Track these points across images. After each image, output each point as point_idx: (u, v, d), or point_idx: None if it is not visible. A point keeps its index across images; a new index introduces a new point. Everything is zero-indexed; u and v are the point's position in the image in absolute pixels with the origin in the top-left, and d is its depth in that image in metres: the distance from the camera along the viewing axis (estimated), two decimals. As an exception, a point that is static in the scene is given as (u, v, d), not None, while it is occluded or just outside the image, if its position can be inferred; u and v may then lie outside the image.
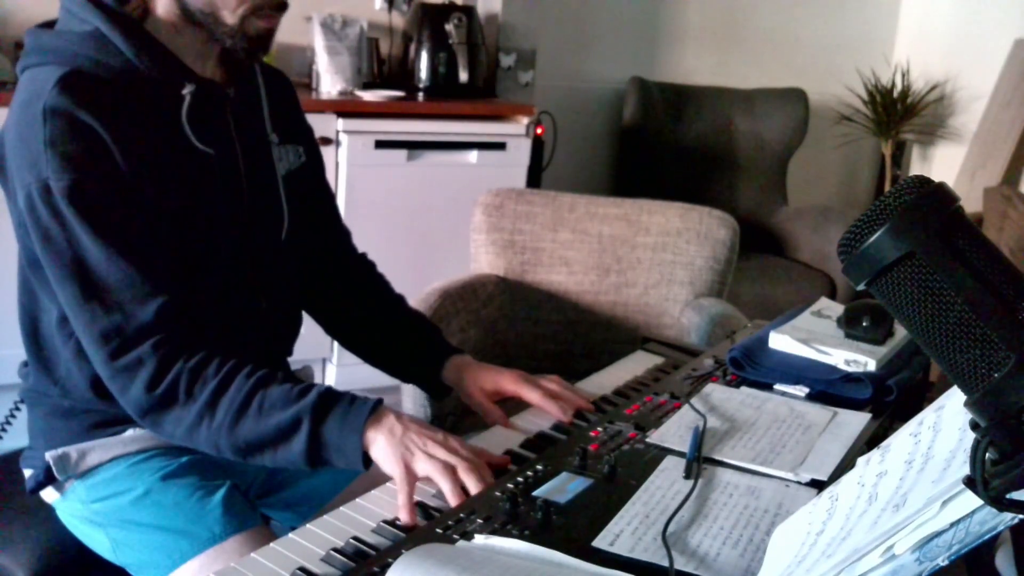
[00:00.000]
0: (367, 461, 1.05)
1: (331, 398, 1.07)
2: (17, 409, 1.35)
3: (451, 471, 1.00)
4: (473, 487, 0.99)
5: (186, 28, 1.16)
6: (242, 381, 1.08)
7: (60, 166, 1.05)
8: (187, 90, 1.14)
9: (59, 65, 1.09)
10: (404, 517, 0.97)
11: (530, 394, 1.26)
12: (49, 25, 1.16)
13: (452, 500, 0.98)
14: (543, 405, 1.24)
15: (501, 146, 3.02)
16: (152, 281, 1.08)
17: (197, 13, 1.13)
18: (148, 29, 1.14)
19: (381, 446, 1.04)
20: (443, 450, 1.03)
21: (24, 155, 1.07)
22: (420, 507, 0.99)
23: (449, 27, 3.11)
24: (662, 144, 3.70)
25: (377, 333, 1.42)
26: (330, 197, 1.45)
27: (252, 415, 1.06)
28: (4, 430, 1.46)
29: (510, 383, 1.29)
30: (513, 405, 1.29)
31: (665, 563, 0.82)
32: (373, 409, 1.06)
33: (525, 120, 3.06)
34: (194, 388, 1.07)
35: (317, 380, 1.39)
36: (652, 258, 2.18)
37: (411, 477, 1.00)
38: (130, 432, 1.20)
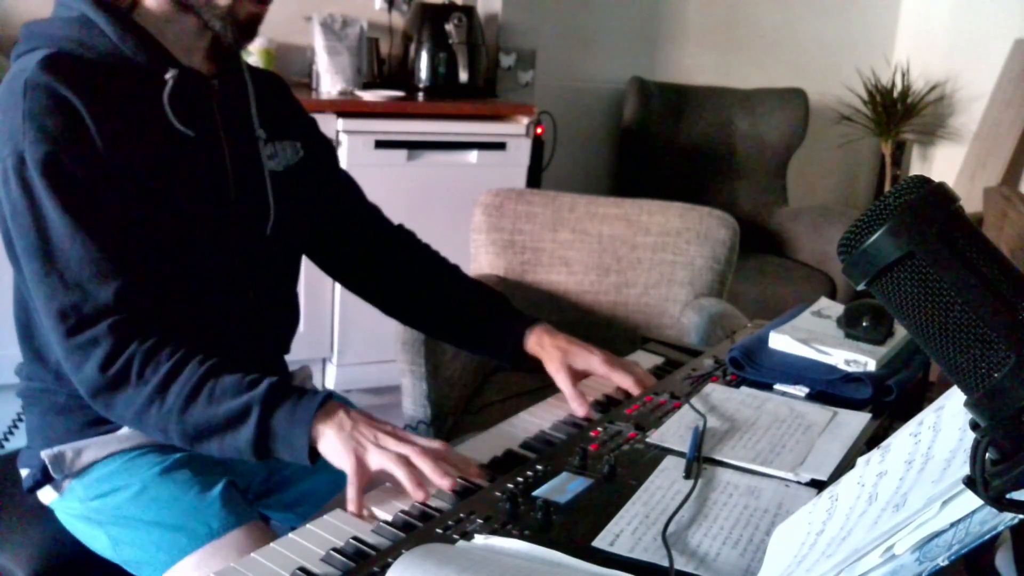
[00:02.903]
0: (314, 456, 1.05)
1: (282, 390, 1.07)
2: (23, 415, 1.35)
3: (405, 461, 0.99)
4: (431, 473, 0.98)
5: (176, 16, 1.16)
6: (195, 367, 1.07)
7: (36, 138, 1.05)
8: (170, 75, 1.15)
9: (46, 48, 1.10)
10: (352, 508, 0.97)
11: (623, 380, 1.26)
12: None
13: (412, 491, 0.97)
14: (634, 392, 1.26)
15: (501, 146, 3.02)
16: (115, 261, 1.08)
17: None
18: (136, 20, 1.15)
19: (330, 440, 1.03)
20: (394, 440, 1.02)
21: (4, 129, 1.08)
22: (419, 507, 0.99)
23: (449, 27, 3.11)
24: (662, 144, 3.70)
25: (443, 304, 1.40)
26: (347, 180, 1.44)
27: (202, 401, 1.06)
28: (7, 438, 1.46)
29: (601, 366, 1.28)
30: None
31: (665, 563, 0.82)
32: (323, 403, 1.05)
33: (525, 120, 3.06)
34: (146, 370, 1.07)
35: (317, 380, 1.38)
36: (652, 258, 2.18)
37: (363, 471, 1.00)
38: (125, 429, 1.20)
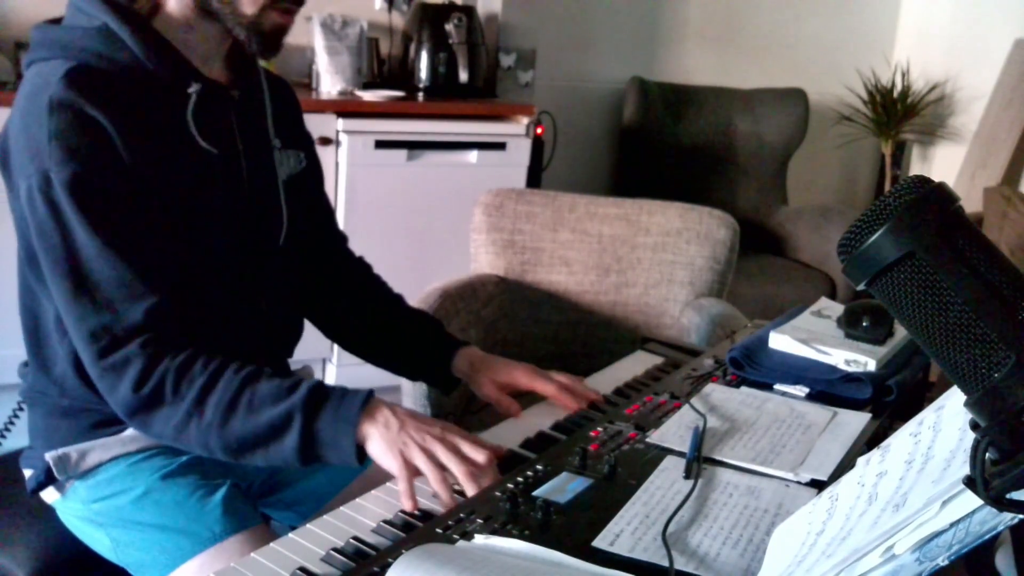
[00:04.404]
0: (361, 456, 1.04)
1: (322, 392, 1.06)
2: (19, 411, 1.35)
3: (445, 477, 1.00)
4: (470, 491, 0.99)
5: (199, 23, 1.15)
6: (230, 377, 1.06)
7: (63, 158, 1.04)
8: (193, 89, 1.14)
9: (66, 59, 1.09)
10: (407, 505, 0.97)
11: (545, 387, 1.28)
12: (56, 23, 1.16)
13: (445, 500, 0.99)
14: (558, 398, 1.26)
15: (501, 146, 3.02)
16: (145, 280, 1.07)
17: (215, 2, 1.13)
18: (157, 27, 1.13)
19: (377, 441, 1.03)
20: (441, 447, 1.02)
21: (28, 147, 1.06)
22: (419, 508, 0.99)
23: (449, 27, 3.11)
24: (662, 144, 3.70)
25: (379, 333, 1.42)
26: (326, 204, 1.45)
27: (242, 412, 1.05)
28: (5, 434, 1.46)
29: (523, 377, 1.30)
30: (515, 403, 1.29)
31: (665, 563, 0.82)
32: (366, 401, 1.05)
33: (525, 120, 3.06)
34: (181, 386, 1.06)
35: (316, 380, 1.39)
36: (652, 258, 2.18)
37: (410, 469, 1.00)
38: (130, 431, 1.20)
